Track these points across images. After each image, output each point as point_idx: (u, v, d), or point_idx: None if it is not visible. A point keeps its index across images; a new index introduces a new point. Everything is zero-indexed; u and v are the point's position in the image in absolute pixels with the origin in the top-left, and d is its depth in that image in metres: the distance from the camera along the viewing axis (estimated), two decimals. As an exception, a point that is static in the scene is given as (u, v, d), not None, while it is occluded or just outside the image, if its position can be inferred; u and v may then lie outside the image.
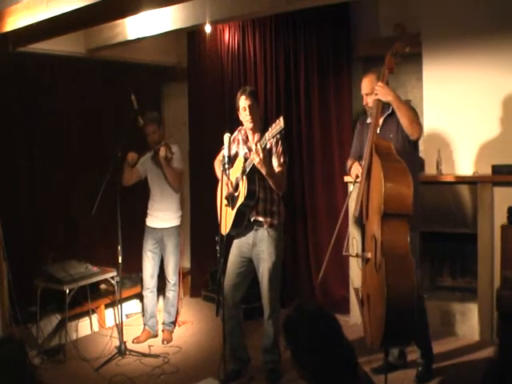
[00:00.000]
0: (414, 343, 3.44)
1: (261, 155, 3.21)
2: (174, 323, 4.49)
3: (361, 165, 3.33)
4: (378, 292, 2.95)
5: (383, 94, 3.22)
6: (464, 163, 4.14)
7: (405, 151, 3.23)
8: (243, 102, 3.45)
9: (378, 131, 3.37)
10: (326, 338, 1.75)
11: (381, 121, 3.38)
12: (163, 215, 4.32)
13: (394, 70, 3.26)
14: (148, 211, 4.40)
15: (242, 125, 3.57)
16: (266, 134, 3.17)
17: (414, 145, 3.33)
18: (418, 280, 3.37)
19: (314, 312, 1.81)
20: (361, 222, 3.47)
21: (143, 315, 4.65)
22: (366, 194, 3.20)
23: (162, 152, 4.14)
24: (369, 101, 3.37)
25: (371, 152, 3.11)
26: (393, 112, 3.32)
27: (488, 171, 3.95)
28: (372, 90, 3.31)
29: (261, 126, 3.51)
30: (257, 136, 3.49)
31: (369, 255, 3.12)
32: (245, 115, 3.47)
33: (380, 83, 3.24)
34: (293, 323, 1.80)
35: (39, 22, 3.36)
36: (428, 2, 4.20)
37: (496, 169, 3.89)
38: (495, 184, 3.92)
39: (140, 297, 4.75)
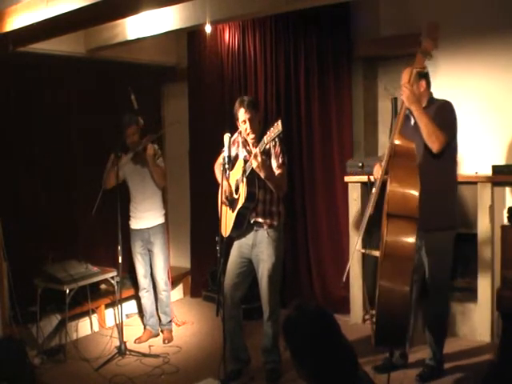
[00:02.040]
0: (428, 344, 3.47)
1: (259, 159, 3.20)
2: (171, 321, 4.49)
3: (381, 166, 3.31)
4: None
5: (408, 98, 3.13)
6: (464, 163, 4.14)
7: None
8: (243, 115, 3.41)
9: (413, 123, 3.32)
10: (325, 337, 1.75)
11: None
12: (148, 215, 4.31)
13: (424, 67, 3.16)
14: (131, 214, 4.35)
15: None
16: (265, 138, 3.16)
17: (451, 141, 3.26)
18: (447, 282, 3.42)
19: (314, 312, 1.81)
20: (376, 220, 3.41)
21: (142, 316, 4.65)
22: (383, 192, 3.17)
23: (151, 150, 4.13)
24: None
25: (391, 151, 3.07)
26: (429, 105, 3.28)
27: (488, 171, 3.95)
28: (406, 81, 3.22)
29: (260, 130, 3.49)
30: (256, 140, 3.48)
31: (377, 253, 3.11)
32: (245, 128, 3.44)
33: (407, 84, 3.14)
34: (292, 323, 1.80)
35: (39, 22, 3.35)
36: (428, 2, 4.20)
37: (496, 169, 3.89)
38: (495, 184, 3.92)
39: (139, 297, 4.74)
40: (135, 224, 4.35)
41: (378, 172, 3.36)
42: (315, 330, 1.75)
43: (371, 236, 4.08)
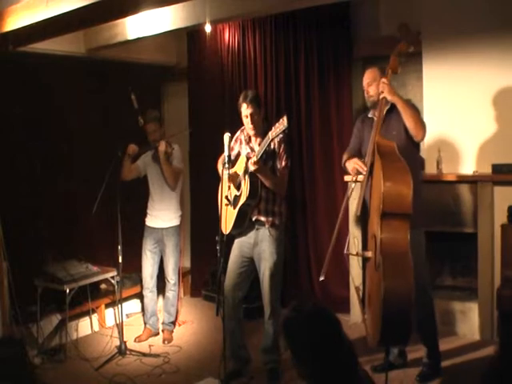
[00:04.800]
0: (422, 343, 3.47)
1: (256, 167, 3.23)
2: (174, 323, 4.49)
3: (361, 160, 3.33)
4: (376, 290, 2.96)
5: (389, 92, 3.20)
6: (464, 162, 4.14)
7: (407, 148, 3.23)
8: (245, 111, 3.44)
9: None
10: (324, 336, 1.74)
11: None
12: (163, 215, 4.31)
13: (397, 70, 3.26)
14: (148, 211, 4.39)
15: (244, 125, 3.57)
16: (270, 134, 3.15)
17: (417, 143, 3.33)
18: (427, 278, 3.39)
19: (312, 311, 1.80)
20: (362, 221, 3.47)
21: (143, 314, 4.65)
22: (369, 193, 3.21)
23: (162, 147, 4.14)
24: (370, 90, 3.35)
25: (373, 151, 3.11)
26: (392, 108, 3.32)
27: (488, 170, 3.95)
28: (374, 80, 3.31)
29: (263, 128, 3.49)
30: (259, 138, 3.49)
31: (369, 254, 3.13)
32: (247, 123, 3.47)
33: (385, 80, 3.22)
34: (290, 323, 1.80)
35: (39, 22, 3.35)
36: (429, 0, 4.19)
37: (496, 168, 3.89)
38: (495, 183, 3.92)
39: (140, 296, 4.75)
40: (150, 222, 4.36)
41: (353, 166, 3.35)
42: (314, 330, 1.74)
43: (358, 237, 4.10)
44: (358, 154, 3.47)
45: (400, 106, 3.21)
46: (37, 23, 3.37)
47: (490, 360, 1.51)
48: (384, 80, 3.22)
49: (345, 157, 3.54)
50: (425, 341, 3.46)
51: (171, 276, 4.37)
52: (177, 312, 4.57)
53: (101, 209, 4.05)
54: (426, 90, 4.25)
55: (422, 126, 3.22)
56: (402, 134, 3.26)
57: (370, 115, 3.45)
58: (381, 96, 3.24)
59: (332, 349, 1.73)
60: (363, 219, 3.40)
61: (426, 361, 3.48)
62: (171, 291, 4.40)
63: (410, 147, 3.28)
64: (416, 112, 3.25)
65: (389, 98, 3.21)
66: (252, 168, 3.24)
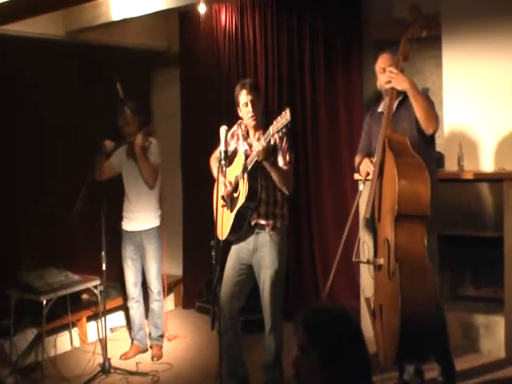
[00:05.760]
0: (433, 359, 3.42)
1: (263, 155, 3.18)
2: (162, 336, 4.47)
3: (372, 161, 3.30)
4: (391, 302, 2.93)
5: (398, 81, 3.17)
6: (488, 158, 4.11)
7: (420, 143, 3.20)
8: (244, 98, 3.42)
9: (379, 111, 3.41)
10: (346, 340, 1.70)
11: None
12: (141, 216, 4.26)
13: (409, 56, 3.25)
14: (123, 213, 4.33)
15: (242, 118, 3.54)
16: (271, 128, 3.13)
17: (431, 137, 3.30)
18: (436, 288, 3.34)
19: (335, 311, 1.76)
20: (372, 225, 3.45)
21: (130, 329, 4.62)
22: (379, 193, 3.17)
23: (139, 140, 4.10)
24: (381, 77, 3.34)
25: (384, 147, 3.08)
26: (404, 98, 3.30)
27: (516, 167, 3.91)
28: (391, 66, 3.29)
29: (263, 121, 3.48)
30: (258, 132, 3.47)
31: (381, 261, 3.11)
32: (246, 111, 3.44)
33: (393, 69, 3.20)
34: (311, 321, 1.74)
35: (12, 1, 3.31)
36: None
37: (525, 164, 3.86)
38: (524, 181, 3.89)
39: (126, 309, 4.70)
40: (127, 225, 4.31)
41: (365, 169, 3.39)
42: (336, 330, 1.71)
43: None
44: (370, 153, 3.46)
45: (411, 95, 3.17)
46: (9, 2, 3.31)
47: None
48: (393, 70, 3.19)
49: (357, 159, 3.58)
50: (436, 357, 3.41)
51: (155, 284, 4.31)
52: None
53: (82, 211, 3.99)
54: (445, 77, 4.23)
55: (433, 117, 3.18)
56: (414, 128, 3.24)
57: (379, 109, 3.44)
58: (388, 86, 3.22)
59: (350, 354, 1.69)
60: (373, 222, 3.36)
61: (440, 379, 3.43)
62: (156, 302, 4.35)
63: (424, 142, 3.25)
64: (428, 102, 3.21)
65: (398, 87, 3.17)
66: (259, 146, 3.18)
